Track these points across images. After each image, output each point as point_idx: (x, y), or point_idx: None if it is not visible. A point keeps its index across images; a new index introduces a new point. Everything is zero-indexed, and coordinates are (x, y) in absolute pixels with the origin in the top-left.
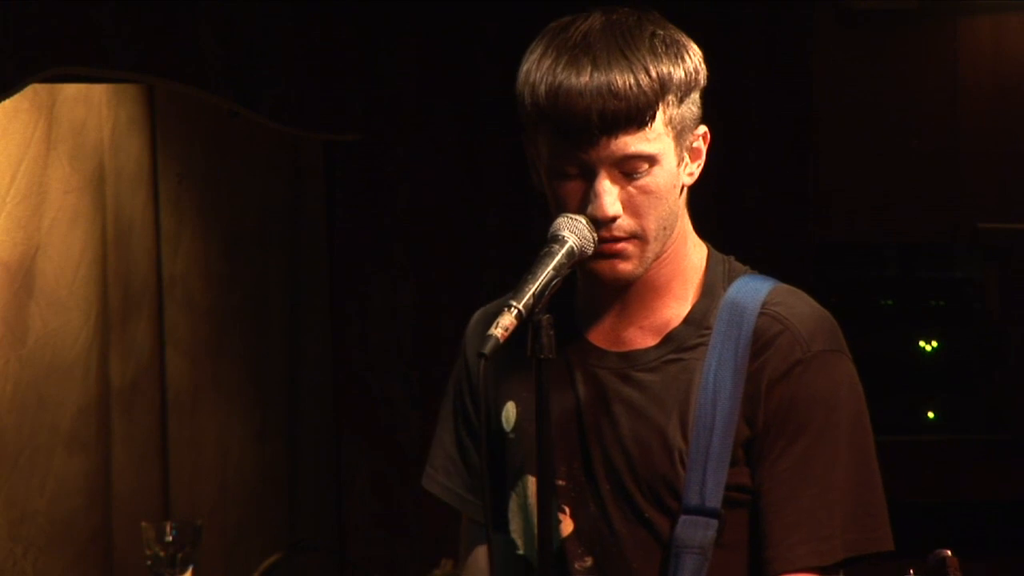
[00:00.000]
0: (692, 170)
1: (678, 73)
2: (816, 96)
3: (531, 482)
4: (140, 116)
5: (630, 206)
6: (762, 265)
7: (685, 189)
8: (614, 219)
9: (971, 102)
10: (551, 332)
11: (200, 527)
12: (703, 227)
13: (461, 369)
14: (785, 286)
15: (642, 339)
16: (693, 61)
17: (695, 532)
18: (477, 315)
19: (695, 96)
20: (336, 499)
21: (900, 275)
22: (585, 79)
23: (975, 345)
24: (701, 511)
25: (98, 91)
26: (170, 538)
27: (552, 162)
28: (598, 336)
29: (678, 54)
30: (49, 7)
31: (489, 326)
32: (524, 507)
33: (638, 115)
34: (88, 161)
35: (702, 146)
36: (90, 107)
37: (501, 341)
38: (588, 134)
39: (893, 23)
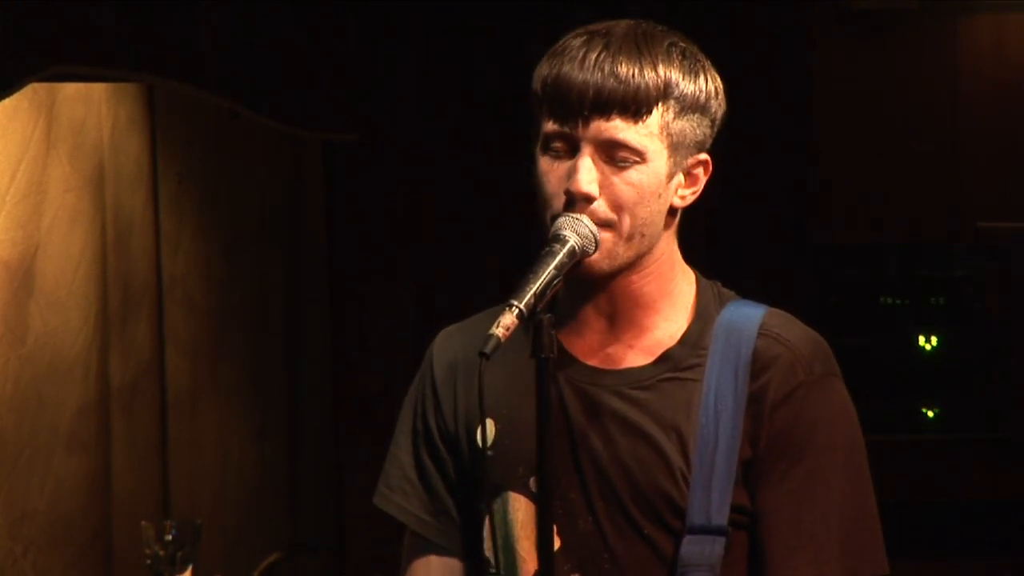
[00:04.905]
0: (684, 193)
1: (687, 84)
2: (816, 96)
3: (512, 498)
4: (140, 116)
5: (609, 194)
6: (762, 266)
7: (678, 213)
8: (588, 199)
9: (971, 102)
10: (552, 332)
11: (200, 527)
12: (703, 227)
13: (425, 386)
14: (778, 310)
15: (634, 358)
16: (708, 85)
17: (702, 549)
18: (444, 333)
19: (701, 118)
20: (336, 499)
21: (900, 275)
22: (593, 57)
23: (975, 345)
24: (707, 530)
25: (98, 91)
26: (170, 537)
27: (545, 136)
28: (585, 352)
29: (692, 69)
30: (49, 7)
31: (469, 343)
32: (503, 524)
33: (633, 104)
34: (88, 160)
35: (701, 174)
36: (90, 106)
37: (503, 340)
38: (580, 109)
39: (893, 23)
